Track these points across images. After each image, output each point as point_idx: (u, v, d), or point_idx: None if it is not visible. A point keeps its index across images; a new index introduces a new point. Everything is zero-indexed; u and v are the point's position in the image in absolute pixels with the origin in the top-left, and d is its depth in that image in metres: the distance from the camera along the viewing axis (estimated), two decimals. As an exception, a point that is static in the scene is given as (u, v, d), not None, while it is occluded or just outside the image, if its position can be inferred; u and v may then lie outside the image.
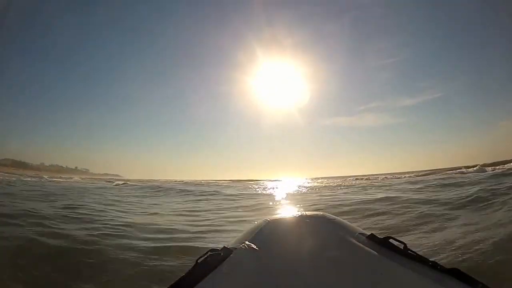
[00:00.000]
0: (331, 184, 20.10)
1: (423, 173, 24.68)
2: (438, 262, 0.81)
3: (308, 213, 1.03)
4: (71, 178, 37.87)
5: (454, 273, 0.77)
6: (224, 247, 0.88)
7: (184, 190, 15.33)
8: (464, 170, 18.68)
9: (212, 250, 0.86)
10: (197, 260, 0.83)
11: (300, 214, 1.02)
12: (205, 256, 0.84)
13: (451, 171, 20.28)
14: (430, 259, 0.83)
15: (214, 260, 0.82)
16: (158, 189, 15.94)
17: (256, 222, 1.05)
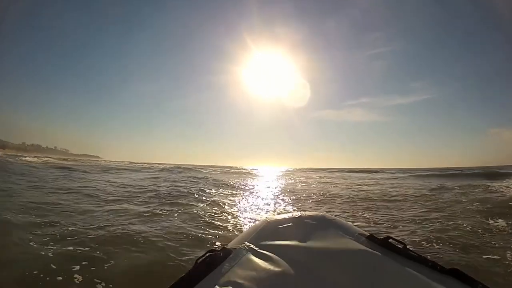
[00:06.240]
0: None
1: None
2: (438, 263, 0.82)
3: (307, 213, 1.05)
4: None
5: (454, 273, 0.79)
6: (224, 247, 0.90)
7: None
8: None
9: (212, 250, 0.87)
10: (197, 260, 0.84)
11: (299, 214, 1.03)
12: (205, 256, 0.85)
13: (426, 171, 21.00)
14: (430, 259, 0.84)
15: (214, 260, 0.83)
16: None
17: (255, 223, 1.06)
